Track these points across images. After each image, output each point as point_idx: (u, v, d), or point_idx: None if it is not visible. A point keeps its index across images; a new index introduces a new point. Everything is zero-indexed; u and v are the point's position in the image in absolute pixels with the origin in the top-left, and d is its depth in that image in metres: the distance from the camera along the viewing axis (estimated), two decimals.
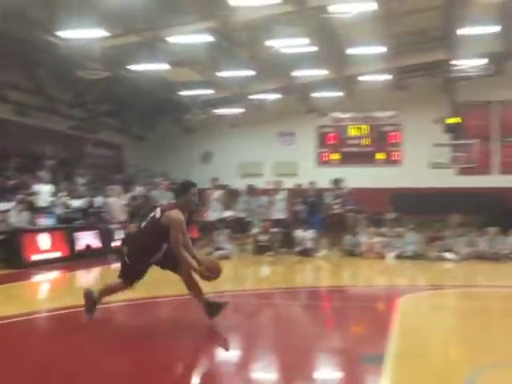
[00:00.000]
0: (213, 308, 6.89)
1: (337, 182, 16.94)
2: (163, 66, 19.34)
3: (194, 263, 6.74)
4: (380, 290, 10.77)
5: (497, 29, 18.66)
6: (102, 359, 5.73)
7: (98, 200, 16.60)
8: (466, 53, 21.35)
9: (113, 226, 15.50)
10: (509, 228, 15.04)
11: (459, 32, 18.65)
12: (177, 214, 6.63)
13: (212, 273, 6.75)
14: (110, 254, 14.42)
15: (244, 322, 7.63)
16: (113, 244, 15.06)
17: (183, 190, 6.94)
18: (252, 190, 17.34)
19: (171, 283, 7.82)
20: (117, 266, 7.52)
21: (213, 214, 15.62)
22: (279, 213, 16.13)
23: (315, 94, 25.72)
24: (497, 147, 25.31)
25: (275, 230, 15.67)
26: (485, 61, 22.01)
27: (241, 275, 12.85)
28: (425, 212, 19.41)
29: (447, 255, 14.41)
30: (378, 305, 9.28)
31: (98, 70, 18.79)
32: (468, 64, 22.18)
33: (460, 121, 22.16)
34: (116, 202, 15.99)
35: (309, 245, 15.24)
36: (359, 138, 26.32)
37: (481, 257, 14.41)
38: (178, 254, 6.58)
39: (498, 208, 21.32)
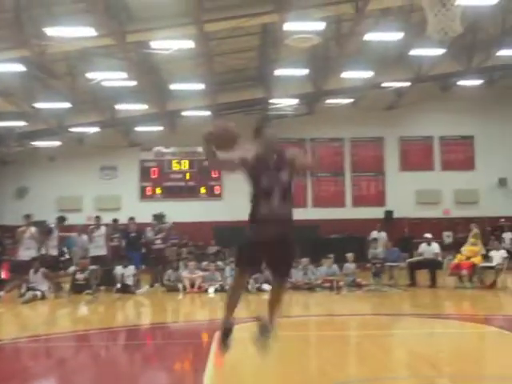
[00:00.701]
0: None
1: (158, 216, 16.89)
2: None
3: None
4: (201, 325, 10.81)
5: (305, 71, 20.07)
6: None
7: None
8: (281, 92, 22.67)
9: None
10: (320, 258, 15.95)
11: (274, 73, 19.81)
12: None
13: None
14: None
15: (58, 367, 7.22)
16: None
17: None
18: (61, 222, 16.78)
19: None
20: None
21: (26, 252, 14.70)
22: (98, 249, 15.67)
23: (138, 128, 25.62)
24: (309, 182, 26.96)
25: (94, 267, 15.16)
26: (296, 101, 23.50)
27: (57, 316, 12.21)
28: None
29: (265, 287, 14.87)
30: (197, 340, 9.30)
31: None
32: (283, 103, 23.54)
33: None
34: None
35: (129, 281, 14.93)
36: (182, 172, 26.56)
37: (295, 287, 15.05)
38: None
39: (311, 239, 22.58)
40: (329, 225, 25.50)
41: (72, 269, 15.73)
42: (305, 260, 15.79)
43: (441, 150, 27.25)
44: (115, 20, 15.09)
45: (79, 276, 14.73)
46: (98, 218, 16.38)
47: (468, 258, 14.88)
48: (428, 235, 16.45)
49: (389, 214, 26.19)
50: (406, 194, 26.34)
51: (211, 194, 26.32)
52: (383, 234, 20.13)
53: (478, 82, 24.12)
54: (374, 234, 21.14)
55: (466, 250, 15.23)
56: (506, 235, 23.55)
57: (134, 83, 19.56)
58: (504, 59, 21.49)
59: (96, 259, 15.39)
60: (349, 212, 26.54)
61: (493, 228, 24.21)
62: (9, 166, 26.26)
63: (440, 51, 19.29)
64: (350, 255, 15.61)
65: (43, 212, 25.65)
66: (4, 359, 7.61)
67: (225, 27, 16.49)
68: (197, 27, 15.40)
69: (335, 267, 15.45)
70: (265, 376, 6.63)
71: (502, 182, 26.63)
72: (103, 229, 16.05)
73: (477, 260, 14.79)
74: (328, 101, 24.87)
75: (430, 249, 15.97)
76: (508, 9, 18.08)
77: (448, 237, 23.88)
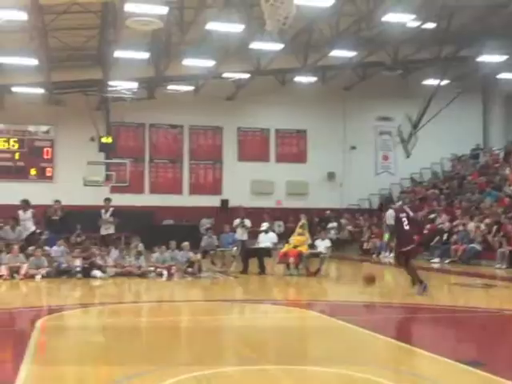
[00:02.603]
0: None
1: None
2: None
3: None
4: (22, 312, 10.25)
5: (146, 55, 19.76)
6: None
7: None
8: (120, 75, 22.12)
9: None
10: (154, 245, 15.85)
11: (114, 54, 19.26)
12: None
13: None
14: None
15: None
16: None
17: None
18: None
19: None
20: None
21: None
22: None
23: None
24: (147, 168, 26.69)
25: None
26: (136, 84, 23.11)
27: None
28: (75, 229, 19.16)
29: (97, 273, 14.50)
30: (16, 328, 8.82)
31: None
32: (122, 86, 22.99)
33: (112, 140, 22.73)
34: None
35: None
36: (10, 151, 24.97)
37: (129, 273, 14.84)
38: None
39: (147, 226, 22.39)
40: (165, 212, 25.44)
41: None
42: (139, 245, 15.64)
43: (276, 143, 28.28)
44: None
45: None
46: None
47: (295, 246, 15.59)
48: (265, 224, 17.06)
49: (225, 202, 26.70)
50: (242, 183, 27.01)
51: (42, 176, 25.06)
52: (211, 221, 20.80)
53: (312, 79, 25.33)
54: (204, 221, 21.56)
55: (293, 239, 15.94)
56: (331, 225, 25.10)
57: None
58: (336, 60, 22.75)
59: None
60: (186, 199, 26.67)
61: (320, 219, 25.62)
62: None
63: (278, 46, 20.00)
64: (185, 244, 15.63)
65: None
66: None
67: (63, 1, 15.74)
68: None
69: (168, 254, 15.41)
70: (90, 357, 6.46)
71: (331, 176, 28.26)
72: None
73: (303, 249, 15.53)
74: (169, 87, 24.74)
75: (267, 237, 16.54)
76: (342, 12, 19.15)
77: (279, 226, 24.86)
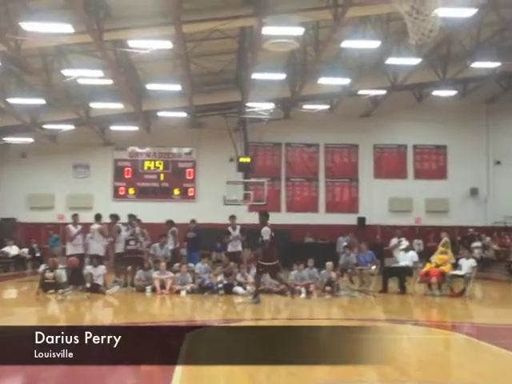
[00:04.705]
0: None
1: (131, 217, 16.72)
2: None
3: None
4: (171, 326, 10.70)
5: (282, 76, 20.12)
6: None
7: None
8: (258, 96, 22.71)
9: None
10: (293, 263, 15.96)
11: (251, 76, 19.83)
12: None
13: None
14: None
15: None
16: None
17: None
18: None
19: None
20: None
21: None
22: (76, 247, 15.45)
23: (112, 127, 25.45)
24: (283, 187, 27.06)
25: (63, 266, 14.96)
26: (272, 105, 23.59)
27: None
28: (218, 247, 19.81)
29: (238, 289, 14.85)
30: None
31: None
32: (260, 107, 23.58)
33: (250, 160, 23.28)
34: None
35: (99, 281, 14.76)
36: (156, 173, 26.45)
37: (268, 291, 15.03)
38: None
39: (285, 244, 22.59)
40: (301, 230, 25.59)
41: (42, 267, 15.48)
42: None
43: (414, 159, 27.55)
44: (93, 17, 14.96)
45: (48, 274, 14.52)
46: (76, 215, 16.06)
47: (438, 265, 15.01)
48: (404, 242, 16.63)
49: (361, 220, 26.38)
50: (378, 201, 26.57)
51: (185, 196, 26.25)
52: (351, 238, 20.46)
53: (452, 93, 24.48)
54: (341, 239, 21.25)
55: (435, 258, 15.37)
56: (476, 244, 23.90)
57: (110, 82, 19.43)
58: (477, 71, 21.84)
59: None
60: (322, 217, 26.67)
61: (463, 237, 24.52)
62: None
63: (416, 61, 19.54)
64: (329, 264, 15.56)
65: (14, 209, 25.34)
66: None
67: (203, 29, 16.47)
68: (175, 28, 15.34)
69: (306, 272, 15.45)
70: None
71: (473, 192, 27.01)
72: (80, 227, 15.80)
73: (446, 268, 14.92)
74: (304, 106, 24.99)
75: (407, 256, 16.09)
76: (482, 22, 18.39)
77: (418, 245, 24.08)
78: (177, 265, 16.04)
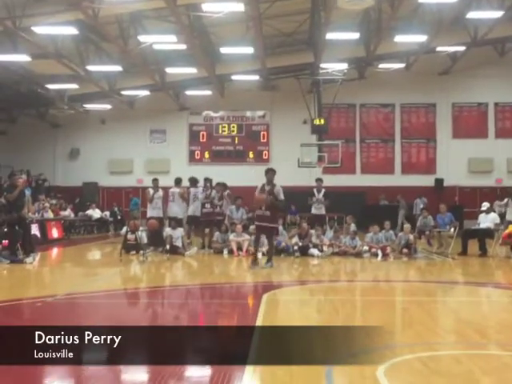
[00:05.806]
0: None
1: (207, 181, 16.95)
2: (24, 58, 18.44)
3: None
4: (249, 287, 10.93)
5: (356, 35, 19.65)
6: None
7: None
8: (331, 57, 22.33)
9: None
10: (368, 225, 15.84)
11: (325, 36, 19.47)
12: None
13: None
14: None
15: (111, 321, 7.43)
16: None
17: None
18: None
19: None
20: None
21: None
22: (156, 211, 15.85)
23: (187, 92, 25.74)
24: (358, 148, 26.70)
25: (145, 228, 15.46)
26: (346, 65, 23.14)
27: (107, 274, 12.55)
28: (293, 210, 19.93)
29: (314, 251, 14.91)
30: (245, 301, 9.44)
31: None
32: (333, 68, 23.20)
33: (324, 122, 23.03)
34: None
35: (178, 243, 15.16)
36: (230, 136, 26.66)
37: (344, 253, 15.04)
38: None
39: (360, 206, 22.45)
40: (377, 192, 25.29)
41: (124, 229, 16.04)
42: (353, 226, 15.76)
43: (495, 117, 26.51)
44: None
45: (130, 236, 15.04)
46: (156, 180, 16.40)
47: None
48: (486, 204, 16.13)
49: (439, 182, 25.76)
50: (457, 162, 25.85)
51: (259, 159, 26.38)
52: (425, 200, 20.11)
53: None
54: (418, 201, 20.81)
55: None
56: None
57: (183, 47, 19.58)
58: None
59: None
60: (398, 179, 26.23)
61: None
62: (61, 129, 26.86)
63: (498, 14, 18.61)
64: (406, 226, 15.50)
65: (95, 174, 26.24)
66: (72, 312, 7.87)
67: None
68: None
69: (382, 234, 15.32)
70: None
71: None
72: (161, 191, 16.13)
73: None
74: (379, 65, 24.41)
75: (488, 218, 15.64)
76: None
77: (500, 206, 23.32)
78: (252, 227, 16.21)
